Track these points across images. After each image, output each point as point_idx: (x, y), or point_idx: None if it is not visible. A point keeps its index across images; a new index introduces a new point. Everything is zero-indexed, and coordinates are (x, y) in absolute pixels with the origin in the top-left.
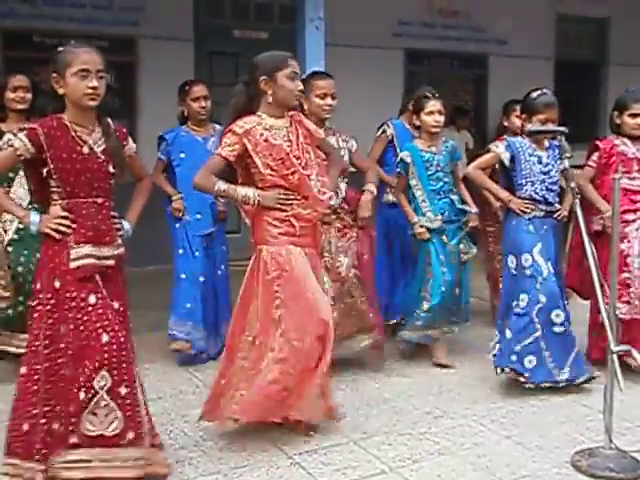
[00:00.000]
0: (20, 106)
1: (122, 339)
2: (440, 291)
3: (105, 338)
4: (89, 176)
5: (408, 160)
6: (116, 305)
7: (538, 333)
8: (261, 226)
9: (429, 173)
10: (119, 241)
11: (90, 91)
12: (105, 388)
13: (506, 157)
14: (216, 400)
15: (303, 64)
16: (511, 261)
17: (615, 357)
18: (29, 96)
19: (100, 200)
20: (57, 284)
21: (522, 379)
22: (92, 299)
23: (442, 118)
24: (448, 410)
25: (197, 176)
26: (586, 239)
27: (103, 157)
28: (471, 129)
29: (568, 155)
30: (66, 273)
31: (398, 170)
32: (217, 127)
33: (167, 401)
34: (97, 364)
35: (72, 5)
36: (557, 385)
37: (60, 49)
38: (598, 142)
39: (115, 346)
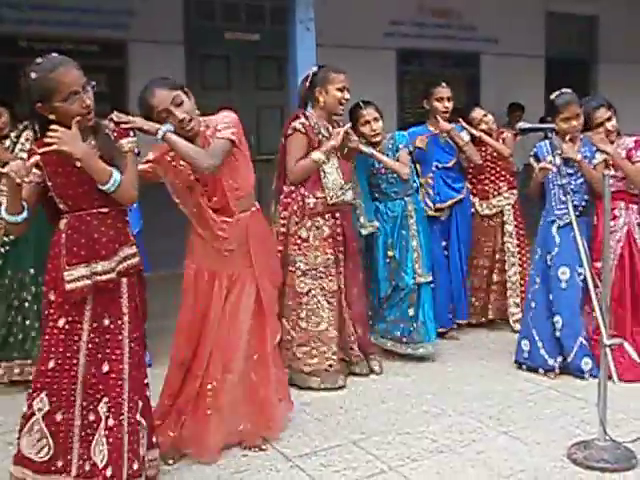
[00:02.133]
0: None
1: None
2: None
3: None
4: (87, 188)
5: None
6: (106, 322)
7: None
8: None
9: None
10: (123, 253)
11: (84, 111)
12: (42, 412)
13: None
14: None
15: (294, 65)
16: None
17: (608, 350)
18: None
19: (105, 210)
20: (52, 297)
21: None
22: (61, 322)
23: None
24: (446, 408)
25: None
26: (578, 235)
27: None
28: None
29: (559, 152)
30: (60, 291)
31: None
32: None
33: None
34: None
35: (60, 9)
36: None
37: (34, 76)
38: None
39: (62, 371)
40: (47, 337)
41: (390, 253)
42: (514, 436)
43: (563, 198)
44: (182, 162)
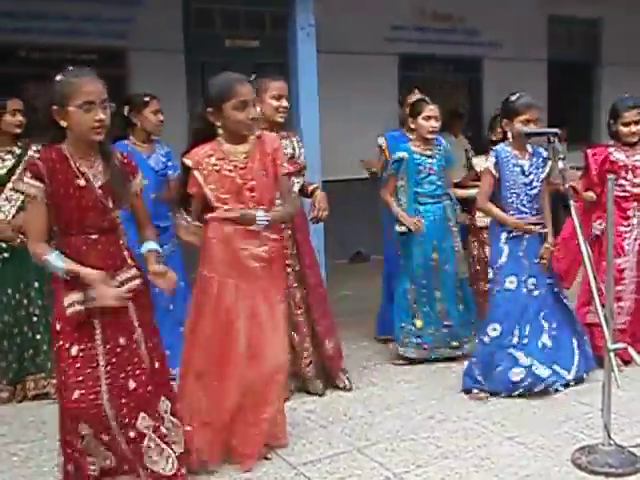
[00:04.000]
0: (17, 130)
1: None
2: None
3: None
4: (82, 212)
5: (405, 158)
6: (121, 341)
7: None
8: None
9: (421, 176)
10: (120, 278)
11: (97, 124)
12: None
13: (496, 170)
14: None
15: (295, 72)
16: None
17: (612, 355)
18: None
19: (94, 236)
20: (58, 327)
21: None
22: (73, 351)
23: (438, 124)
24: (450, 414)
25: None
26: (582, 241)
27: (100, 191)
28: (467, 133)
29: (562, 156)
30: (63, 319)
31: (390, 170)
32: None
33: None
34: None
35: (58, 18)
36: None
37: (59, 78)
38: (588, 151)
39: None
40: (64, 367)
41: (435, 256)
42: (519, 441)
43: (523, 208)
44: (228, 167)
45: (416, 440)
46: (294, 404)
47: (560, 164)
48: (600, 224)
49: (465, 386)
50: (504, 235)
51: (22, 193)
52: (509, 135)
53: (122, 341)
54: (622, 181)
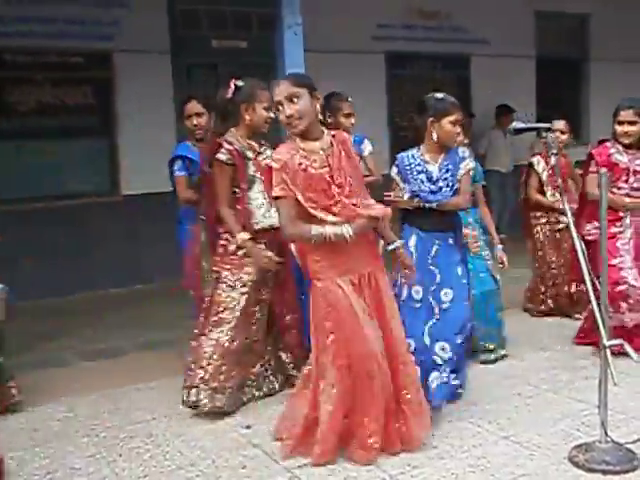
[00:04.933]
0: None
1: None
2: None
3: None
4: None
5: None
6: None
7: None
8: (309, 260)
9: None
10: None
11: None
12: None
13: (398, 178)
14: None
15: (283, 72)
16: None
17: (608, 351)
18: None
19: None
20: None
21: None
22: None
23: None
24: (444, 413)
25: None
26: (576, 239)
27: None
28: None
29: (554, 151)
30: None
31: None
32: None
33: (162, 421)
34: None
35: (43, 21)
36: None
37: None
38: (593, 151)
39: None
40: None
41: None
42: (515, 440)
43: None
44: (315, 162)
45: None
46: None
47: (552, 160)
48: (595, 227)
49: None
50: None
51: None
52: (434, 136)
53: None
54: (622, 184)
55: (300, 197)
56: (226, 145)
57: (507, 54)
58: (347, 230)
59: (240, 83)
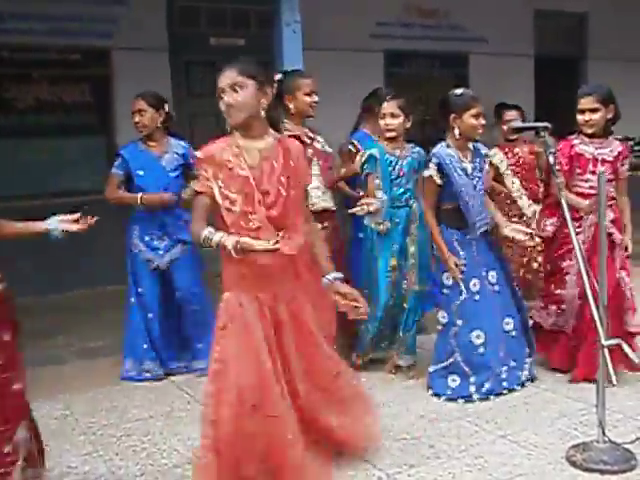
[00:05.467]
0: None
1: None
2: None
3: None
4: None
5: (377, 156)
6: None
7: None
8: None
9: (392, 177)
10: None
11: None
12: None
13: (438, 177)
14: None
15: (281, 69)
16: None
17: (606, 351)
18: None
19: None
20: None
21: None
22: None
23: (396, 121)
24: (442, 412)
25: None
26: (573, 235)
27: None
28: None
29: (552, 150)
30: None
31: (366, 170)
32: (172, 141)
33: (159, 420)
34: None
35: (41, 18)
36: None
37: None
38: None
39: None
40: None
41: (393, 262)
42: (512, 439)
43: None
44: (244, 162)
45: (408, 440)
46: None
47: (551, 159)
48: (552, 223)
49: None
50: None
51: None
52: (456, 132)
53: None
54: (589, 175)
55: (217, 193)
56: (286, 132)
57: (505, 53)
58: (230, 242)
59: (279, 76)
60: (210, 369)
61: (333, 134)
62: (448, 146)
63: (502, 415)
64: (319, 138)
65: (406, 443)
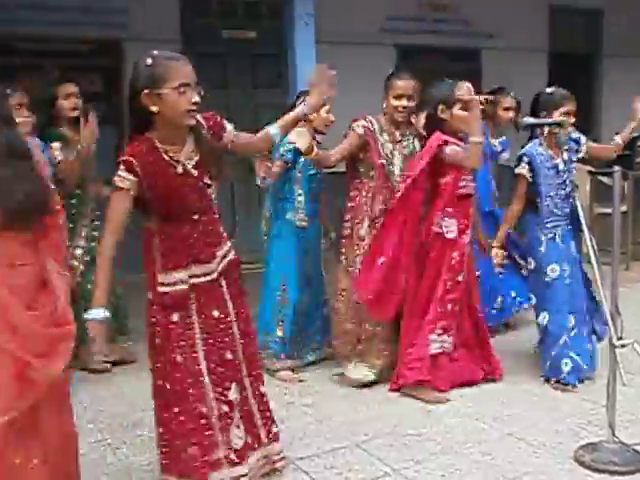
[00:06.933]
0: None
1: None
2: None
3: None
4: (183, 197)
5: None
6: (215, 314)
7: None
8: None
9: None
10: (221, 253)
11: (192, 107)
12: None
13: (529, 176)
14: None
15: (293, 61)
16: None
17: (617, 351)
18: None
19: (196, 217)
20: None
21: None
22: (175, 317)
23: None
24: (449, 409)
25: None
26: (587, 234)
27: (197, 172)
28: None
29: (566, 147)
30: (154, 299)
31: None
32: None
33: None
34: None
35: (53, 9)
36: None
37: (149, 62)
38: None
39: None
40: (161, 333)
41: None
42: (519, 437)
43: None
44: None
45: (415, 435)
46: (291, 398)
47: (565, 155)
48: (443, 219)
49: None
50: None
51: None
52: (545, 130)
53: (216, 314)
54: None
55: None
56: (363, 121)
57: (519, 48)
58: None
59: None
60: None
61: (344, 127)
62: (540, 144)
63: (509, 413)
64: (410, 140)
65: (412, 439)
